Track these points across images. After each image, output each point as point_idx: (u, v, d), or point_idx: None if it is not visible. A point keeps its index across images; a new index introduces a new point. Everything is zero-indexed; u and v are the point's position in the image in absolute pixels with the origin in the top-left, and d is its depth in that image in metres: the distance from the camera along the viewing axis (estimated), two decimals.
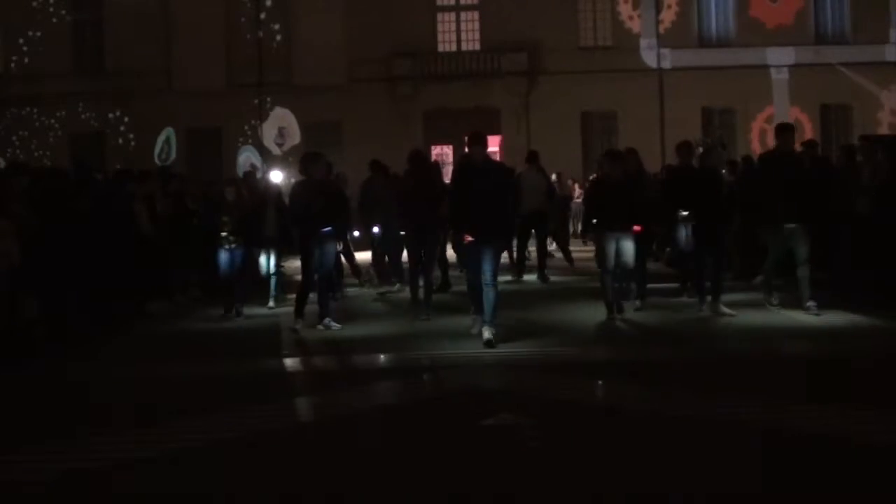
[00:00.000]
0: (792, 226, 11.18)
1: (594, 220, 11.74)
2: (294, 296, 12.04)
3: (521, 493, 5.47)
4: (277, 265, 14.16)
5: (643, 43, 35.18)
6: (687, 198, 11.86)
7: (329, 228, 11.61)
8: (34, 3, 34.28)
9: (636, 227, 11.66)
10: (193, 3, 33.80)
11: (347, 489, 5.66)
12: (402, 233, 14.64)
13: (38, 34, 34.14)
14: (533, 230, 16.59)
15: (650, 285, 12.84)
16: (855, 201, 12.34)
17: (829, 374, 8.47)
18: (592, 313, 11.83)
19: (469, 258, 10.59)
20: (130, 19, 33.68)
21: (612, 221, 11.49)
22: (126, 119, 34.48)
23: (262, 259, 13.85)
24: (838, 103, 34.67)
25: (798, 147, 13.54)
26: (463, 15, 35.65)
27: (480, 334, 10.09)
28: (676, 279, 13.70)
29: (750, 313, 11.45)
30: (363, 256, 16.90)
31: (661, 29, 34.80)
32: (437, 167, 16.66)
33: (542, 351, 9.88)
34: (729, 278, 13.01)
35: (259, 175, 19.39)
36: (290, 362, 10.02)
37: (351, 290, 15.41)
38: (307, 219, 11.57)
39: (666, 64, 34.63)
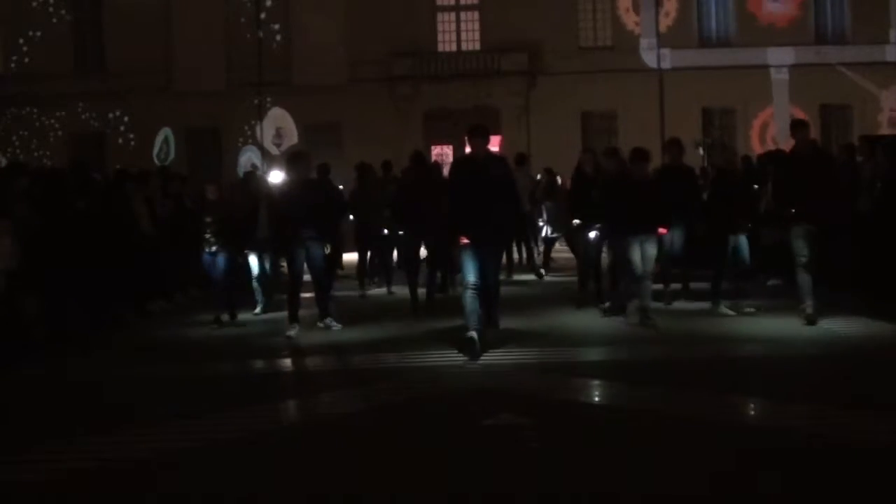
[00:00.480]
0: (808, 228, 10.58)
1: (614, 223, 11.18)
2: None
3: (521, 493, 5.47)
4: (272, 268, 13.81)
5: (643, 43, 35.18)
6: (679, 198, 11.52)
7: (313, 229, 11.17)
8: (34, 3, 34.30)
9: (661, 230, 11.18)
10: (193, 3, 33.81)
11: (347, 489, 5.66)
12: (401, 232, 14.71)
13: (38, 34, 34.16)
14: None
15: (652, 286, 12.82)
16: (855, 201, 12.32)
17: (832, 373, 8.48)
18: (592, 312, 11.84)
19: (466, 262, 9.62)
20: (130, 19, 33.68)
21: (636, 224, 10.87)
22: (126, 119, 34.49)
23: (254, 262, 13.23)
24: (838, 103, 34.67)
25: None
26: (463, 15, 35.65)
27: (478, 342, 9.33)
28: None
29: (758, 316, 11.39)
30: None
31: (661, 29, 34.80)
32: (437, 167, 16.71)
33: (542, 351, 9.89)
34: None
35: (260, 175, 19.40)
36: (287, 363, 10.02)
37: (346, 293, 15.41)
38: (290, 220, 11.24)
39: (666, 64, 34.62)
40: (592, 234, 12.34)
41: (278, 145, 29.08)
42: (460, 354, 9.34)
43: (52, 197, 11.57)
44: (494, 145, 33.08)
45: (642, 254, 10.91)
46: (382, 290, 15.35)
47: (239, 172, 25.41)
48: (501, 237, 10.24)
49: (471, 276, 9.55)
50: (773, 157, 13.88)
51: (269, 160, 28.16)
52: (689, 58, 34.49)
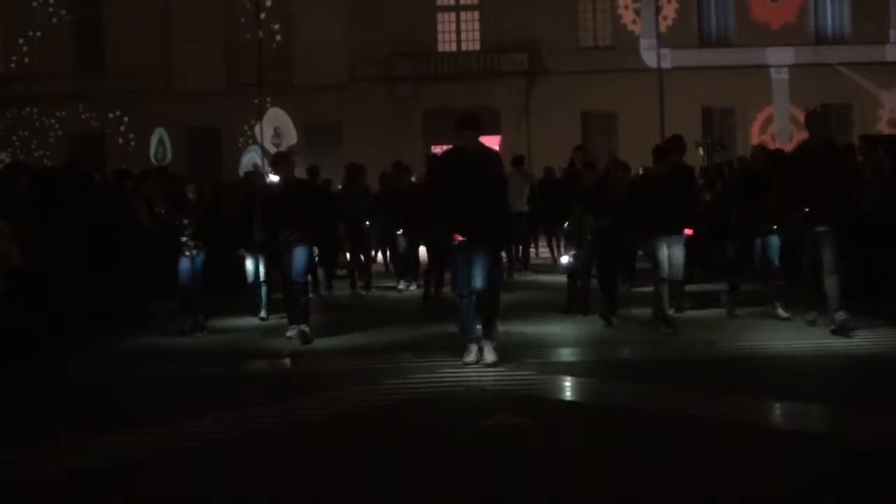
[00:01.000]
0: (822, 229, 9.81)
1: (640, 224, 10.66)
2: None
3: (521, 493, 5.47)
4: (267, 271, 13.07)
5: (643, 43, 35.19)
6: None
7: (297, 232, 10.76)
8: (34, 3, 34.32)
9: (687, 231, 10.65)
10: (193, 3, 33.83)
11: (347, 489, 5.66)
12: (399, 232, 14.79)
13: (38, 34, 34.18)
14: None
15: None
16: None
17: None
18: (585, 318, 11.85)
19: (459, 262, 8.99)
20: (130, 19, 33.71)
21: (663, 224, 10.34)
22: (126, 119, 34.51)
23: (250, 265, 12.67)
24: (838, 103, 34.66)
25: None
26: (463, 15, 35.66)
27: (476, 355, 8.89)
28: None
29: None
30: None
31: (662, 29, 34.80)
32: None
33: (542, 351, 9.88)
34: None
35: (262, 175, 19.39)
36: (285, 364, 9.99)
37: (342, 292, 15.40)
38: (272, 221, 10.94)
39: (666, 64, 34.62)
40: (565, 260, 12.19)
41: (277, 145, 29.08)
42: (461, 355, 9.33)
43: (52, 197, 11.56)
44: (494, 146, 33.14)
45: (669, 256, 10.43)
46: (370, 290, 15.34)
47: (240, 172, 25.43)
48: (497, 237, 9.44)
49: (465, 282, 8.92)
50: (773, 157, 13.76)
51: (270, 160, 28.18)
52: (689, 58, 34.50)
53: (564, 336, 10.67)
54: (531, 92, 34.85)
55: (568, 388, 8.25)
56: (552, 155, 25.03)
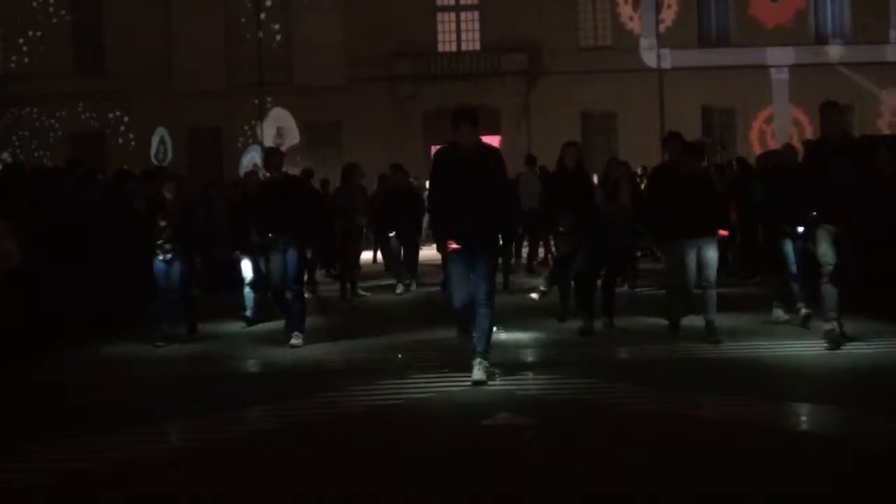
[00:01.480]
0: (835, 230, 9.11)
1: (661, 226, 10.02)
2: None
3: (521, 493, 5.47)
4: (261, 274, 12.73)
5: (643, 43, 35.17)
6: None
7: (281, 233, 10.32)
8: (34, 3, 34.29)
9: (722, 232, 9.95)
10: (193, 3, 33.80)
11: (346, 489, 5.66)
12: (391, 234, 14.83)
13: (38, 34, 34.15)
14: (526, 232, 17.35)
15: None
16: None
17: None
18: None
19: (453, 270, 8.32)
20: (130, 19, 33.67)
21: (690, 226, 9.64)
22: (126, 119, 34.48)
23: (248, 266, 12.36)
24: (838, 103, 34.59)
25: (799, 147, 13.41)
26: (463, 15, 35.64)
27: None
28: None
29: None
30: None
31: (661, 29, 34.79)
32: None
33: (543, 351, 9.88)
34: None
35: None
36: (283, 364, 9.98)
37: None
38: (257, 220, 10.60)
39: (666, 64, 34.62)
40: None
41: (279, 145, 29.14)
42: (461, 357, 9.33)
43: (52, 197, 11.57)
44: (494, 145, 33.12)
45: (701, 260, 9.67)
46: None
47: (241, 172, 25.44)
48: (495, 241, 8.64)
49: (459, 290, 8.25)
50: (774, 157, 13.71)
51: None
52: (689, 58, 34.48)
53: (564, 336, 10.67)
54: (531, 92, 34.82)
55: (568, 388, 8.24)
56: (552, 155, 24.98)
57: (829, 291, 9.13)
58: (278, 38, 34.40)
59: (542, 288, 11.92)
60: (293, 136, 29.33)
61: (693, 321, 10.14)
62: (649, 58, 34.98)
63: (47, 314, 10.97)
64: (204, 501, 5.62)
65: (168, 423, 7.38)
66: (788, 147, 12.70)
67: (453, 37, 35.68)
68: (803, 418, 7.03)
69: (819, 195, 9.06)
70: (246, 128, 33.58)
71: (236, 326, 12.20)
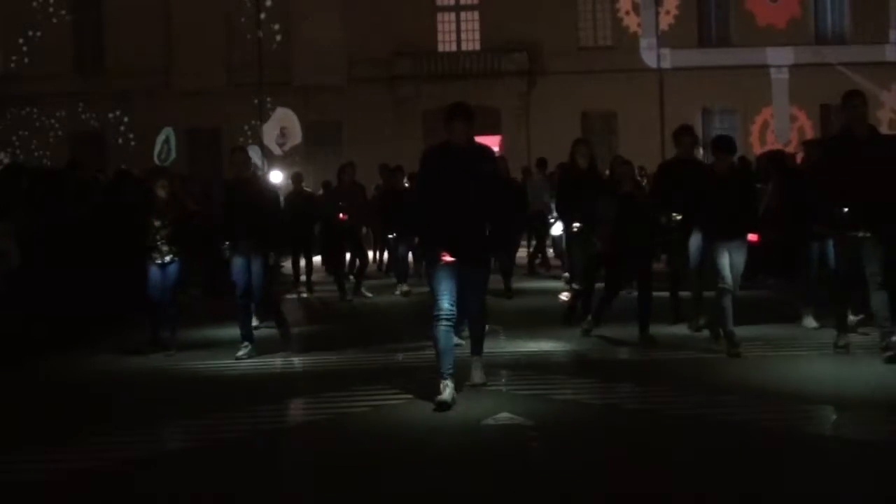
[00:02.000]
0: (862, 234, 8.37)
1: (704, 227, 9.42)
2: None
3: (521, 494, 5.47)
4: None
5: (643, 43, 35.18)
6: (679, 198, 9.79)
7: (246, 237, 9.74)
8: (34, 3, 34.28)
9: (752, 237, 9.32)
10: (193, 3, 33.80)
11: (347, 489, 5.66)
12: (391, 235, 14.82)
13: (38, 34, 34.14)
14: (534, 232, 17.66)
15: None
16: None
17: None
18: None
19: (439, 281, 7.45)
20: (130, 19, 33.68)
21: (724, 227, 9.10)
22: (126, 119, 34.49)
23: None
24: (838, 103, 34.48)
25: (798, 147, 13.31)
26: (463, 15, 35.66)
27: (450, 394, 7.38)
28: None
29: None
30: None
31: (661, 29, 34.79)
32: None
33: (543, 351, 9.88)
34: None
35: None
36: (281, 364, 9.97)
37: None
38: (222, 224, 10.08)
39: (666, 64, 34.61)
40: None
41: (282, 145, 29.15)
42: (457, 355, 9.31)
43: (52, 198, 11.56)
44: (494, 146, 33.16)
45: (730, 264, 9.12)
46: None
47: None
48: (487, 251, 7.88)
49: (444, 300, 7.40)
50: (774, 157, 13.57)
51: (271, 160, 28.17)
52: (689, 58, 34.48)
53: (565, 336, 10.66)
54: (531, 92, 34.83)
55: (568, 388, 8.24)
56: (552, 155, 25.00)
57: (878, 301, 8.38)
58: (278, 38, 34.39)
59: (575, 286, 11.87)
60: (296, 137, 29.31)
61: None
62: (649, 58, 34.98)
63: (47, 315, 10.96)
64: (203, 501, 5.62)
65: (168, 424, 7.38)
66: (808, 143, 12.07)
67: (453, 37, 35.70)
68: (807, 419, 7.02)
69: (847, 193, 8.21)
70: (246, 128, 33.56)
71: (235, 330, 12.17)
